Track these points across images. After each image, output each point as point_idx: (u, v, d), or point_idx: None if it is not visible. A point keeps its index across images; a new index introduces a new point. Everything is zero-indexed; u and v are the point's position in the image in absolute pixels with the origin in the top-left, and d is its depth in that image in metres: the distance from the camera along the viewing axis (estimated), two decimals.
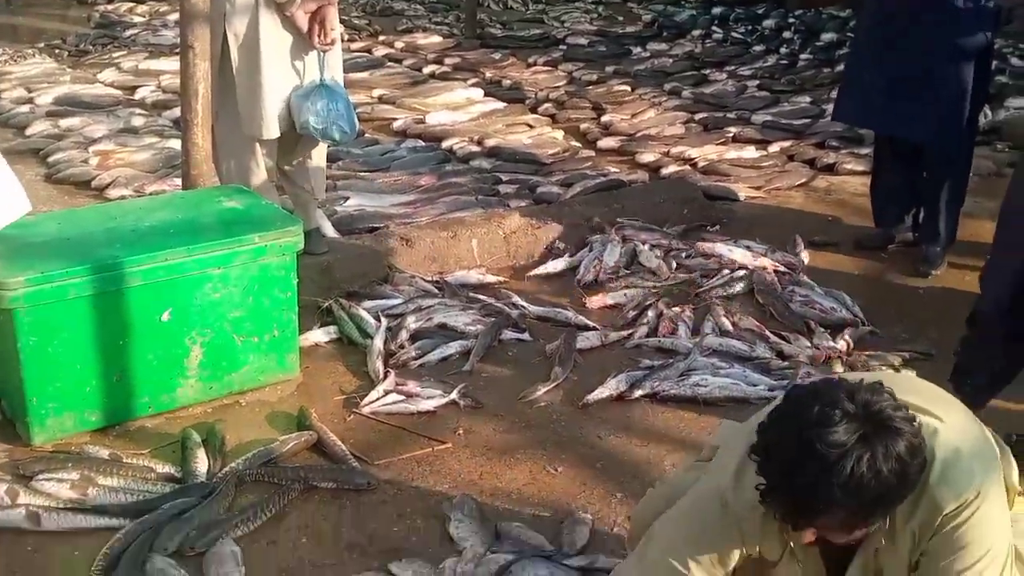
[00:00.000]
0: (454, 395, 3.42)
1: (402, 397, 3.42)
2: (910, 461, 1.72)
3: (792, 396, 1.82)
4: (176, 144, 4.55)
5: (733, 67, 7.64)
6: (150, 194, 4.81)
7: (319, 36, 3.91)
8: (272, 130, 3.96)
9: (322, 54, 3.96)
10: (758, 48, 8.19)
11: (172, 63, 6.49)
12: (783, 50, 8.09)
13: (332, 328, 3.83)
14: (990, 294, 3.03)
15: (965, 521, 1.83)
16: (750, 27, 8.82)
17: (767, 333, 3.86)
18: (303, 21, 3.90)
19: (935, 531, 1.84)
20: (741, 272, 4.33)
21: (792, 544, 1.93)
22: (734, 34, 8.62)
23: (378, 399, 3.40)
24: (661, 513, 2.10)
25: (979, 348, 3.04)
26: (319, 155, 4.26)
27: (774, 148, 5.90)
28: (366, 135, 5.97)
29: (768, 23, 8.87)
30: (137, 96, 6.56)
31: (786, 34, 8.61)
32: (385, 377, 3.51)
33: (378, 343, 3.68)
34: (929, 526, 1.85)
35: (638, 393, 3.46)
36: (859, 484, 1.68)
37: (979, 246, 4.60)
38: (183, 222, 3.37)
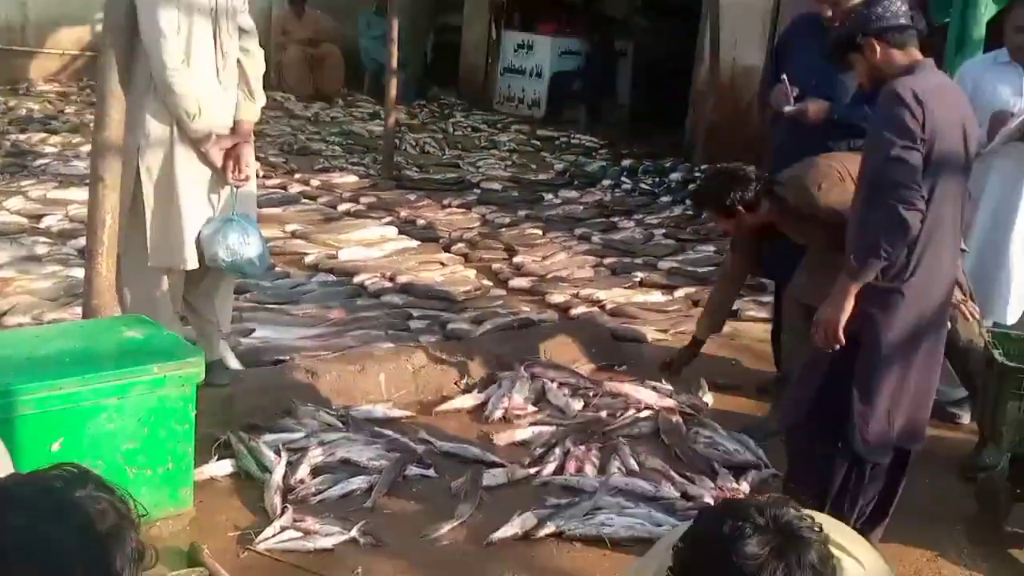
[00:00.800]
0: (354, 532, 3.33)
1: (299, 534, 3.31)
2: (822, 570, 1.74)
3: (704, 515, 1.85)
4: (79, 273, 4.48)
5: (641, 216, 7.90)
6: (49, 322, 4.69)
7: (233, 172, 3.95)
8: (189, 261, 3.94)
9: (235, 189, 3.99)
10: (665, 199, 8.51)
11: (81, 193, 6.42)
12: (688, 201, 8.40)
13: (230, 462, 3.73)
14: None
15: None
16: (657, 179, 9.17)
17: (672, 474, 3.87)
18: (217, 157, 3.94)
19: None
20: (647, 412, 4.38)
21: None
22: (642, 185, 8.95)
23: (274, 535, 3.29)
24: None
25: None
26: (226, 287, 4.24)
27: (679, 293, 6.07)
28: (277, 268, 5.96)
29: (675, 175, 9.24)
30: (43, 224, 6.46)
31: (691, 186, 8.96)
32: (282, 513, 3.41)
33: (277, 477, 3.59)
34: None
35: (544, 531, 3.42)
36: None
37: None
38: (80, 351, 3.29)
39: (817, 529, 1.79)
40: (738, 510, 1.78)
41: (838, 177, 3.61)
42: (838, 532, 2.00)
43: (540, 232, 7.20)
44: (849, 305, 3.04)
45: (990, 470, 3.77)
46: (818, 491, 3.18)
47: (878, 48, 3.08)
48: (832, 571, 1.78)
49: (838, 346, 3.11)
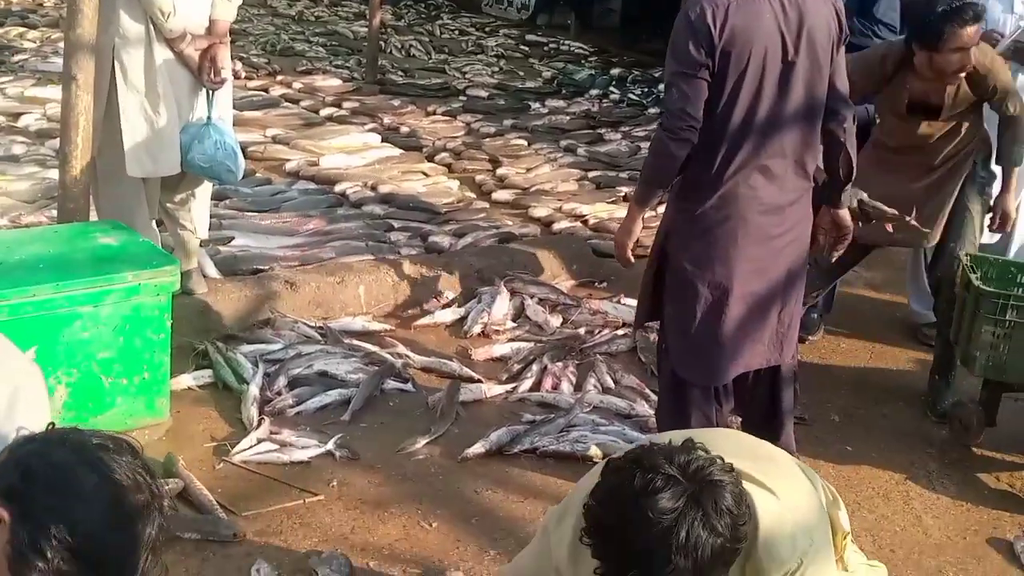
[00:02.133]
0: (330, 445, 3.36)
1: (276, 446, 3.34)
2: (738, 512, 1.74)
3: (612, 468, 1.80)
4: (55, 174, 4.39)
5: (628, 128, 7.80)
6: (25, 226, 4.63)
7: (209, 74, 3.86)
8: (160, 167, 3.88)
9: (212, 92, 3.90)
10: (653, 111, 8.39)
11: (60, 91, 6.29)
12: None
13: (207, 372, 3.74)
14: None
15: None
16: (646, 89, 9.03)
17: (648, 391, 3.91)
18: (194, 58, 3.84)
19: None
20: (625, 330, 4.39)
21: None
22: (631, 95, 8.82)
23: (250, 447, 3.31)
24: None
25: None
26: (203, 193, 4.18)
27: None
28: (257, 175, 5.88)
29: (662, 87, 9.12)
30: (20, 123, 6.33)
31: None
32: (259, 424, 3.43)
33: (254, 389, 3.60)
34: None
35: (518, 448, 3.45)
36: (696, 544, 1.67)
37: (857, 315, 4.77)
38: (55, 257, 3.25)
39: (727, 469, 1.77)
40: (646, 461, 1.74)
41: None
42: (752, 460, 1.96)
43: (525, 143, 7.11)
44: (635, 227, 3.13)
45: (954, 409, 3.82)
46: (675, 416, 3.13)
47: None
48: (747, 509, 1.77)
49: (629, 264, 3.24)
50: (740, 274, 2.99)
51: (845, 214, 3.25)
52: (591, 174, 6.56)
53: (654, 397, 3.84)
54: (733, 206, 2.95)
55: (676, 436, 1.88)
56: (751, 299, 3.04)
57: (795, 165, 3.02)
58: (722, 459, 1.79)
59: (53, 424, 1.67)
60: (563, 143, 7.17)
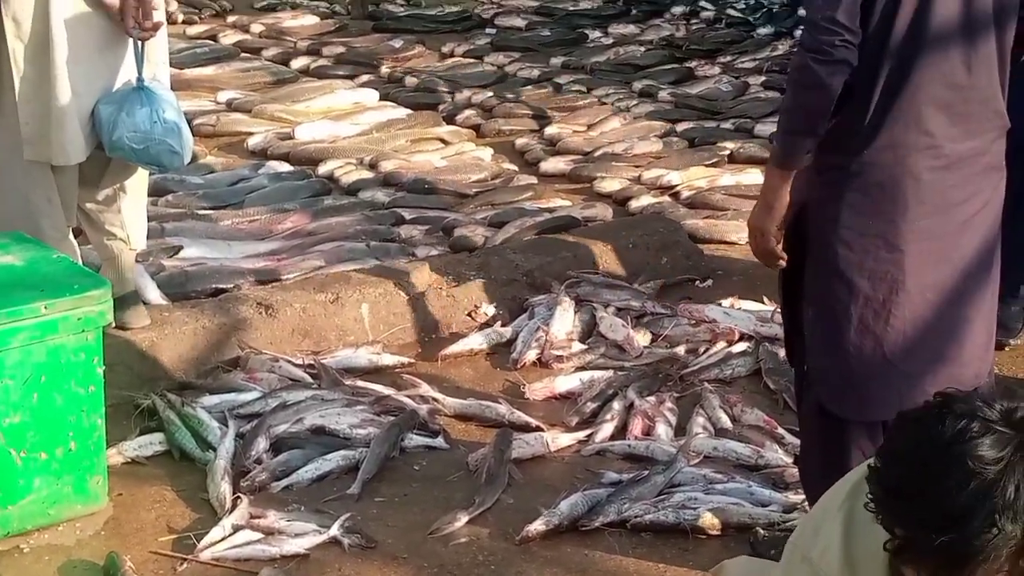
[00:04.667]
0: (334, 530, 3.38)
1: (259, 535, 3.37)
2: None
3: (907, 420, 1.90)
4: None
5: (730, 58, 7.80)
6: None
7: (136, 19, 3.92)
8: (70, 153, 3.94)
9: (141, 45, 3.97)
10: (765, 31, 8.39)
11: None
12: (799, 33, 8.28)
13: (156, 437, 3.79)
14: None
15: None
16: (754, 1, 9.03)
17: (781, 431, 3.90)
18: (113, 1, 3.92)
19: None
20: (744, 346, 4.40)
21: None
22: (731, 11, 8.82)
23: (223, 538, 3.34)
24: None
25: None
26: (137, 187, 4.24)
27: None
28: (209, 157, 5.96)
29: None
30: None
31: (802, 10, 8.84)
32: (234, 506, 3.47)
33: (223, 458, 3.65)
34: None
35: (600, 520, 3.46)
36: None
37: None
38: None
39: None
40: (958, 406, 1.83)
41: None
42: None
43: (583, 89, 7.13)
44: (778, 200, 3.05)
45: None
46: (828, 465, 3.09)
47: None
48: None
49: (780, 261, 3.13)
50: (914, 259, 2.98)
51: None
52: (680, 127, 6.59)
53: (790, 439, 3.84)
54: (901, 159, 2.94)
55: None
56: (932, 293, 3.02)
57: (984, 96, 3.00)
58: None
59: None
60: (637, 86, 7.20)
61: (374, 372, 4.25)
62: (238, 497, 3.52)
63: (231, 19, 8.34)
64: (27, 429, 3.29)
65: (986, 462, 1.76)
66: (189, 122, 4.36)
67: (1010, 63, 3.07)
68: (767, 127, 6.50)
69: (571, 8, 8.92)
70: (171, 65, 4.40)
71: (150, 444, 3.77)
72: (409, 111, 6.73)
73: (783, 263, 3.13)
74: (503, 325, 4.54)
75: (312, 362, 4.23)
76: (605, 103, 6.92)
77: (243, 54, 7.67)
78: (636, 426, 3.94)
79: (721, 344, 4.43)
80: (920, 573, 1.87)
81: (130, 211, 4.23)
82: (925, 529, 1.80)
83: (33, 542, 3.34)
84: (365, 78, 7.22)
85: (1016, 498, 1.75)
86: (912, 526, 1.82)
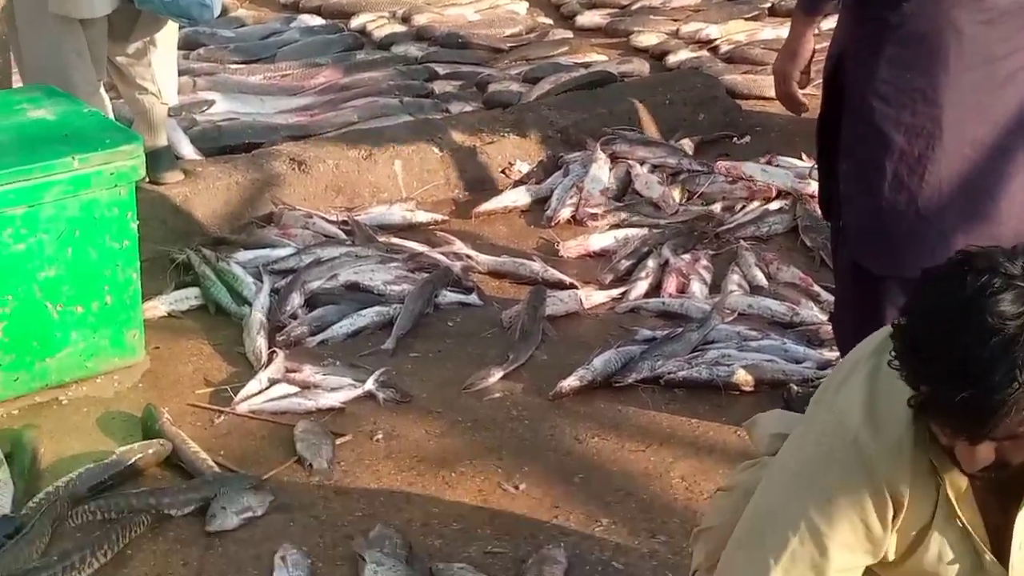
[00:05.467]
0: (370, 384, 3.42)
1: (295, 389, 3.42)
2: None
3: (932, 277, 1.91)
4: None
5: None
6: None
7: None
8: (97, 5, 3.91)
9: None
10: None
11: None
12: None
13: (192, 291, 3.82)
14: None
15: None
16: None
17: (816, 288, 3.90)
18: None
19: None
20: (781, 203, 4.38)
21: (949, 492, 2.00)
22: None
23: (259, 392, 3.39)
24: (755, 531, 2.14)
25: None
26: (168, 40, 4.22)
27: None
28: (239, 10, 5.91)
29: None
30: None
31: None
32: (270, 360, 3.51)
33: (259, 312, 3.67)
34: None
35: (634, 377, 3.48)
36: None
37: None
38: None
39: None
40: (979, 261, 1.85)
41: None
42: None
43: None
44: (801, 46, 3.08)
45: None
46: (862, 322, 3.09)
47: None
48: None
49: (802, 107, 3.16)
50: (953, 113, 2.94)
51: None
52: None
53: (826, 296, 3.83)
54: (942, 11, 2.89)
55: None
56: (970, 149, 2.98)
57: None
58: None
59: None
60: None
61: (408, 229, 4.26)
62: (274, 351, 3.56)
63: None
64: (63, 283, 3.32)
65: (1007, 317, 1.77)
66: None
67: None
68: None
69: None
70: None
71: (186, 298, 3.81)
72: None
73: (806, 109, 3.15)
74: (537, 182, 4.53)
75: (346, 218, 4.25)
76: None
77: None
78: (671, 284, 3.94)
79: (758, 201, 4.41)
80: (944, 428, 1.89)
81: (161, 65, 4.21)
82: (947, 385, 1.81)
83: (72, 394, 3.39)
84: None
85: None
86: (935, 382, 1.84)
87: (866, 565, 2.05)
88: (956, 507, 2.02)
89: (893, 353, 1.90)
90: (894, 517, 2.01)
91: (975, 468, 1.93)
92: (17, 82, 4.00)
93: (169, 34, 4.21)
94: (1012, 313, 1.78)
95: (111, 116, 3.87)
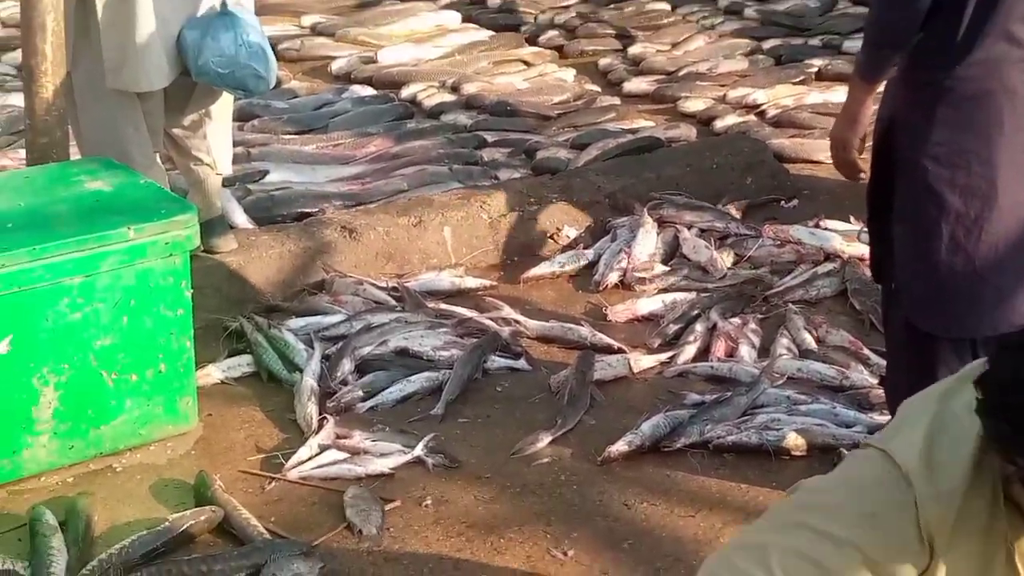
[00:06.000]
0: (419, 450, 3.42)
1: (345, 455, 3.42)
2: None
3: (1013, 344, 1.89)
4: (20, 100, 4.55)
5: None
6: None
7: None
8: (154, 78, 3.97)
9: None
10: None
11: None
12: None
13: (245, 359, 3.84)
14: None
15: None
16: None
17: (866, 352, 3.88)
18: None
19: None
20: (829, 266, 4.37)
21: (1017, 559, 1.97)
22: None
23: (310, 458, 3.40)
24: None
25: None
26: (223, 112, 4.27)
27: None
28: (293, 82, 5.98)
29: None
30: None
31: None
32: (320, 427, 3.52)
33: (310, 378, 3.69)
34: None
35: (682, 442, 3.46)
36: None
37: None
38: (27, 212, 3.37)
39: None
40: None
41: None
42: None
43: (667, 6, 7.04)
44: (861, 112, 3.07)
45: None
46: (915, 384, 3.06)
47: None
48: None
49: (861, 174, 3.14)
50: (1008, 173, 2.93)
51: None
52: (767, 44, 6.51)
53: (876, 359, 3.81)
54: (995, 73, 2.88)
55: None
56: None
57: None
58: None
59: None
60: (723, 2, 7.11)
61: (457, 295, 4.27)
62: (324, 417, 3.57)
63: None
64: (118, 351, 3.35)
65: None
66: (273, 46, 4.36)
67: None
68: (855, 43, 6.33)
69: None
70: None
71: (238, 366, 3.84)
72: (491, 33, 6.70)
73: (864, 176, 3.13)
74: (585, 247, 4.54)
75: (396, 285, 4.27)
76: (689, 21, 6.85)
77: None
78: (719, 348, 3.93)
79: (806, 265, 4.40)
80: None
81: (216, 136, 4.27)
82: None
83: (125, 461, 3.41)
84: (447, 0, 7.18)
85: None
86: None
87: None
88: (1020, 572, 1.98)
89: (987, 432, 1.87)
90: (926, 568, 1.96)
91: None
92: (75, 154, 4.05)
93: (224, 106, 4.27)
94: None
95: (167, 187, 3.92)
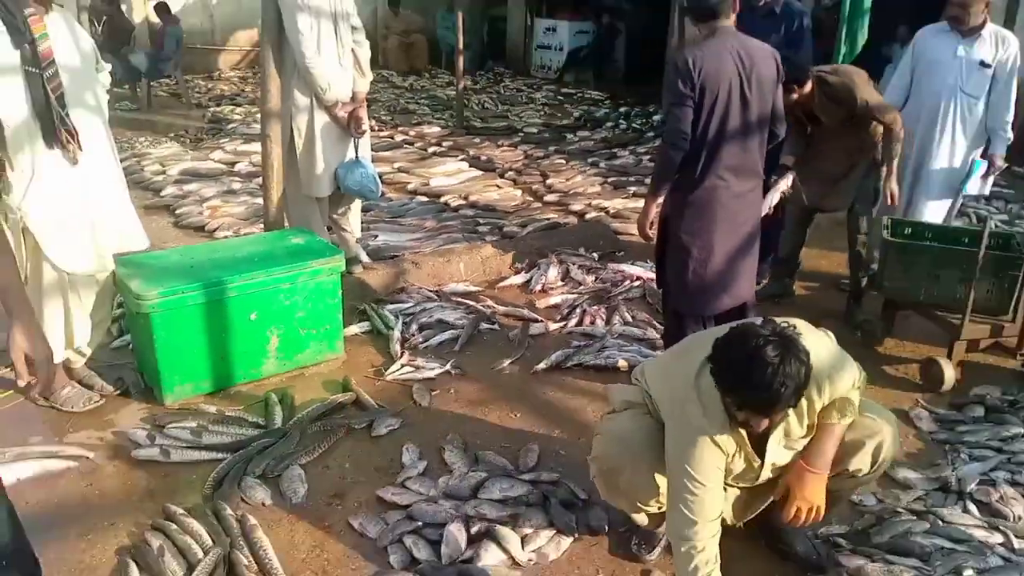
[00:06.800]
0: (448, 366, 3.42)
1: (413, 368, 3.42)
2: (806, 361, 1.83)
3: (733, 336, 1.86)
4: (260, 201, 4.52)
5: (633, 147, 7.67)
6: (243, 235, 4.76)
7: (354, 128, 3.91)
8: (324, 190, 3.95)
9: (357, 140, 3.96)
10: (650, 134, 8.25)
11: (259, 146, 6.43)
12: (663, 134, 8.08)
13: (365, 323, 3.82)
14: None
15: (822, 391, 1.98)
16: (644, 120, 8.87)
17: (655, 323, 3.89)
18: (343, 118, 3.90)
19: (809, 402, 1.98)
20: (638, 282, 4.37)
21: (743, 437, 1.98)
22: (634, 125, 8.66)
23: (397, 370, 3.39)
24: (617, 453, 2.12)
25: None
26: (356, 207, 4.25)
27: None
28: (388, 194, 5.95)
29: (656, 117, 8.93)
30: (236, 168, 6.50)
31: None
32: (401, 355, 3.51)
33: (397, 333, 3.68)
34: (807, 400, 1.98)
35: (570, 363, 3.48)
36: (795, 376, 1.79)
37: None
38: (264, 253, 3.35)
39: (793, 327, 1.87)
40: (752, 329, 1.84)
41: (866, 80, 3.50)
42: (800, 326, 2.03)
43: (564, 161, 7.04)
44: (651, 212, 2.95)
45: (865, 323, 3.75)
46: (676, 339, 3.03)
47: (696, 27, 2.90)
48: (806, 354, 1.86)
49: (652, 239, 3.04)
50: (718, 239, 2.96)
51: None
52: (609, 179, 6.48)
53: (660, 326, 3.82)
54: (713, 194, 2.92)
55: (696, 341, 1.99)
56: (726, 255, 3.00)
57: (751, 164, 2.96)
58: (789, 323, 1.90)
59: None
60: (590, 160, 7.10)
61: (466, 295, 4.24)
62: (403, 351, 3.56)
63: (399, 127, 8.25)
64: (307, 319, 3.34)
65: (770, 359, 1.76)
66: (380, 177, 4.32)
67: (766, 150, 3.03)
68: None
69: (559, 123, 8.77)
70: (371, 149, 4.38)
71: (363, 327, 3.79)
72: (482, 172, 6.66)
73: (654, 240, 3.09)
74: (526, 273, 4.51)
75: (437, 289, 4.24)
76: (575, 168, 6.81)
77: (404, 144, 7.59)
78: (587, 320, 3.93)
79: (627, 282, 4.41)
80: (742, 411, 1.86)
81: (353, 218, 4.24)
82: (747, 396, 1.82)
83: (309, 371, 3.39)
84: (462, 157, 7.15)
85: (788, 373, 1.77)
86: (741, 395, 1.83)
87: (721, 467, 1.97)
88: (742, 445, 1.98)
89: (713, 376, 1.86)
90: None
91: (759, 429, 1.91)
92: (286, 225, 4.02)
93: (357, 204, 4.25)
94: (774, 356, 1.77)
95: (330, 242, 3.89)
